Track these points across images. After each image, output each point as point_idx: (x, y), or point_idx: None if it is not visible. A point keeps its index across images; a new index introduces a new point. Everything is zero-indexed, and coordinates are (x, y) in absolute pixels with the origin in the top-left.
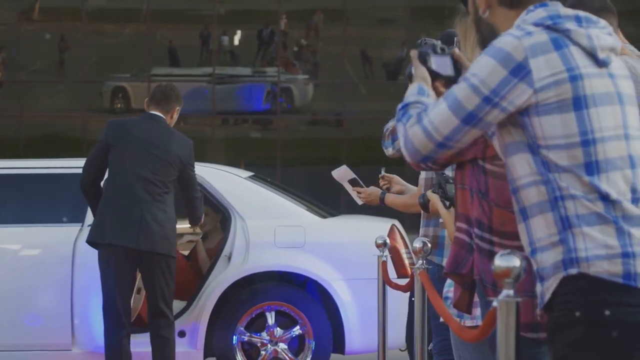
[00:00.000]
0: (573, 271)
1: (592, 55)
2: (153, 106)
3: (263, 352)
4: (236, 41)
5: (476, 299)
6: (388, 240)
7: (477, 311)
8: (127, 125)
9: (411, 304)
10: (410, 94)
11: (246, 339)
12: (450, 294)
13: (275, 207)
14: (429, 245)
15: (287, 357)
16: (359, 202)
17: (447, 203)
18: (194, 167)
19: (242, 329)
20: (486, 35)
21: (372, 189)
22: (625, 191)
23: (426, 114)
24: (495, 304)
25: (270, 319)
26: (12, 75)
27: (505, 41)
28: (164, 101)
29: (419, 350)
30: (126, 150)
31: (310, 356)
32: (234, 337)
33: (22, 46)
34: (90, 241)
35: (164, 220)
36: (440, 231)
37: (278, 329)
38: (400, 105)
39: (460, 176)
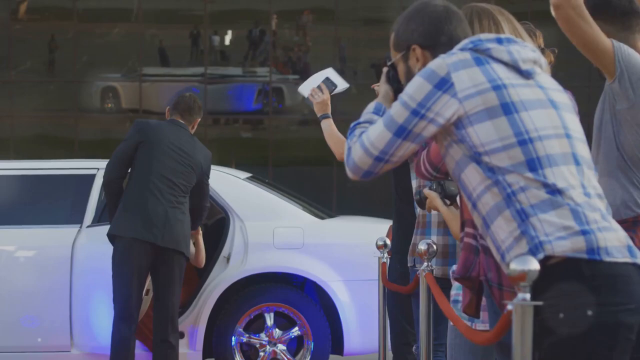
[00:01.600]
0: (540, 256)
1: (515, 67)
2: (177, 115)
3: (262, 353)
4: (227, 41)
5: (483, 302)
6: (389, 242)
7: (486, 314)
8: (156, 125)
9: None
10: (366, 112)
11: (245, 340)
12: (459, 297)
13: (274, 209)
14: (435, 247)
15: (285, 358)
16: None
17: (448, 202)
18: (209, 178)
19: (240, 330)
20: None
21: (327, 102)
22: (574, 184)
23: (366, 131)
24: (509, 307)
25: (269, 320)
26: (3, 75)
27: (432, 62)
28: (187, 112)
29: (424, 352)
30: (155, 149)
31: (309, 357)
32: (233, 338)
33: (12, 46)
34: (112, 234)
35: (185, 221)
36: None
37: (277, 330)
38: (352, 124)
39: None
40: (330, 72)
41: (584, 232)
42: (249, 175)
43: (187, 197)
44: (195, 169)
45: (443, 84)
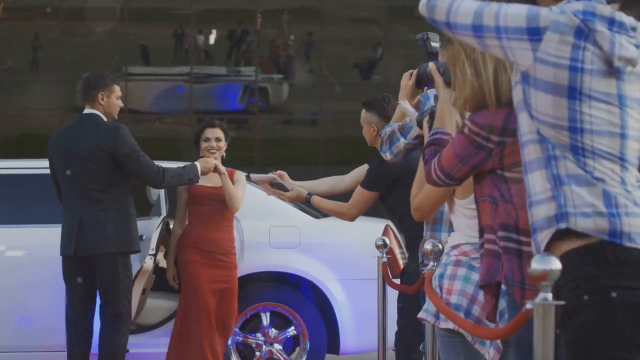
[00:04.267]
0: (562, 225)
1: (608, 60)
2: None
3: (258, 353)
4: (213, 40)
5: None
6: (388, 241)
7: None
8: (52, 139)
9: (401, 309)
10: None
11: (241, 339)
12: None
13: (270, 208)
14: (440, 246)
15: (281, 357)
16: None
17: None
18: (136, 156)
19: (236, 329)
20: None
21: (297, 192)
22: (613, 178)
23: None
24: (529, 306)
25: (265, 319)
26: None
27: (543, 7)
28: (85, 94)
29: (430, 351)
30: (55, 163)
31: (305, 357)
32: (229, 338)
33: None
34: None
35: (106, 218)
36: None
37: (273, 329)
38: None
39: (479, 190)
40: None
41: (610, 215)
42: (244, 174)
43: (108, 189)
44: (85, 155)
45: (535, 33)
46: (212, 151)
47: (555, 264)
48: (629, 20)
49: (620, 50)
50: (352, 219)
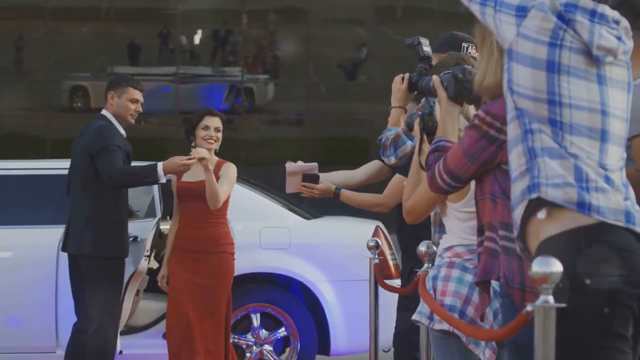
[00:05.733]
0: (534, 195)
1: (587, 48)
2: None
3: (248, 354)
4: (199, 40)
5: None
6: (380, 242)
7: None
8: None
9: (403, 306)
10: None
11: (231, 341)
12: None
13: (260, 209)
14: (435, 248)
15: (272, 358)
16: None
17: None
18: (104, 152)
19: None
20: None
21: (326, 186)
22: (590, 155)
23: None
24: (530, 308)
25: (256, 320)
26: None
27: None
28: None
29: (424, 352)
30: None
31: (296, 357)
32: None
33: None
34: None
35: (81, 218)
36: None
37: (263, 330)
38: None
39: (480, 189)
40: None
41: (579, 187)
42: (234, 168)
43: (87, 191)
44: (76, 155)
45: (521, 10)
46: (209, 141)
47: (557, 267)
48: (612, 13)
49: (599, 39)
50: (387, 209)
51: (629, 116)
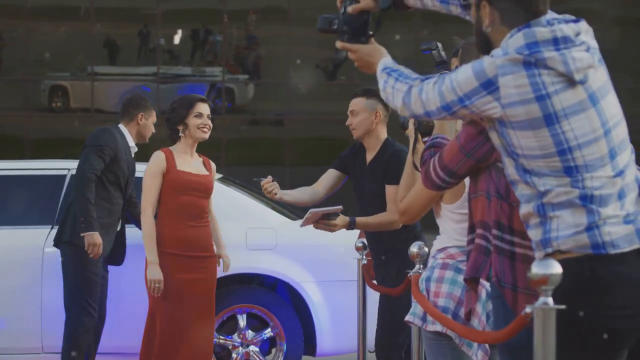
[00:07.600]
0: (549, 250)
1: (568, 77)
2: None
3: (234, 355)
4: (179, 40)
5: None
6: (367, 243)
7: (448, 316)
8: None
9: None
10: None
11: (217, 341)
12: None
13: (246, 209)
14: (426, 249)
15: (258, 359)
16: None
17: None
18: (87, 148)
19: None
20: (483, 46)
21: (342, 219)
22: (611, 179)
23: (423, 88)
24: (528, 310)
25: (242, 321)
26: None
27: (485, 59)
28: (123, 111)
29: (415, 353)
30: None
31: (282, 358)
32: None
33: None
34: None
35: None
36: None
37: (249, 331)
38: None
39: (473, 186)
40: (316, 213)
41: (588, 229)
42: (220, 176)
43: (100, 186)
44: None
45: (489, 85)
46: (204, 129)
47: (556, 269)
48: (569, 28)
49: (575, 64)
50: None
51: (621, 110)
